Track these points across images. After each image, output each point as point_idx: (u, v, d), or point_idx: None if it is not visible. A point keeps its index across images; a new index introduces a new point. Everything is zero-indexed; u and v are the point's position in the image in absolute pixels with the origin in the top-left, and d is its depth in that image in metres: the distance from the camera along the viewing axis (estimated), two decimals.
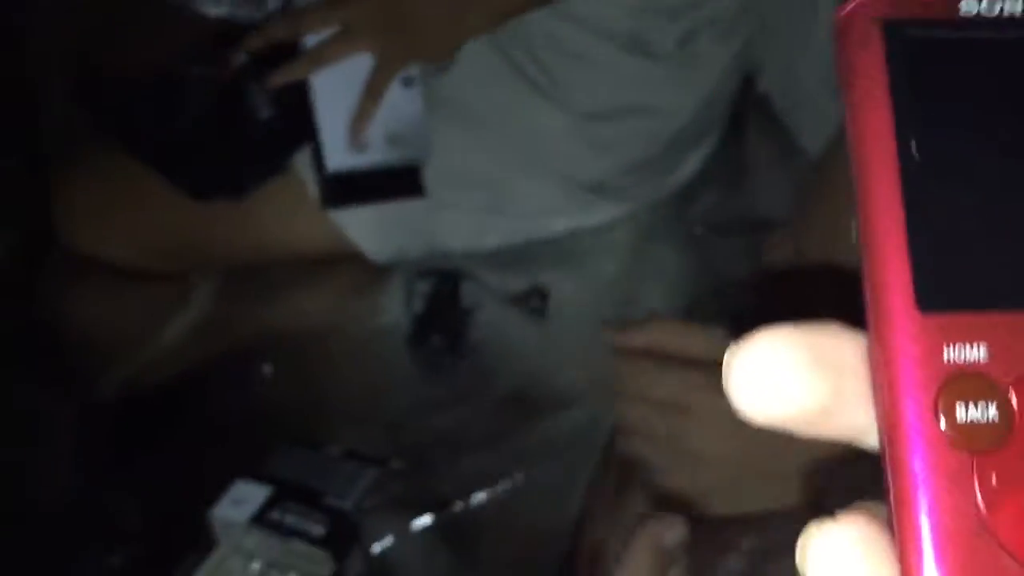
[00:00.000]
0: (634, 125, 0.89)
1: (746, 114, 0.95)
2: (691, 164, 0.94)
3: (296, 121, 0.88)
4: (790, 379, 0.20)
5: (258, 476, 0.70)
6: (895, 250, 0.20)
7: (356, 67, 0.82)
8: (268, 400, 0.82)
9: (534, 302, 0.85)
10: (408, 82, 0.83)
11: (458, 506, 0.72)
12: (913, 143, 0.20)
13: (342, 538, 0.66)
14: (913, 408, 0.19)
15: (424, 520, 0.71)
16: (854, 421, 0.20)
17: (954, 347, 0.19)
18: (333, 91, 0.82)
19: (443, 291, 0.86)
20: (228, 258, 0.92)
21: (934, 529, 0.19)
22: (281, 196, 0.89)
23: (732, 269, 0.85)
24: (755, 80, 0.93)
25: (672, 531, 0.59)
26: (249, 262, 0.91)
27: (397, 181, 0.84)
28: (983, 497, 0.19)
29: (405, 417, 0.79)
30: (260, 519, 0.67)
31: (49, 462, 0.77)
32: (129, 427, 0.80)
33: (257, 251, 0.91)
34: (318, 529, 0.66)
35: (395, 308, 0.87)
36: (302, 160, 0.89)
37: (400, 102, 0.83)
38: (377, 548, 0.70)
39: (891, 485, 0.20)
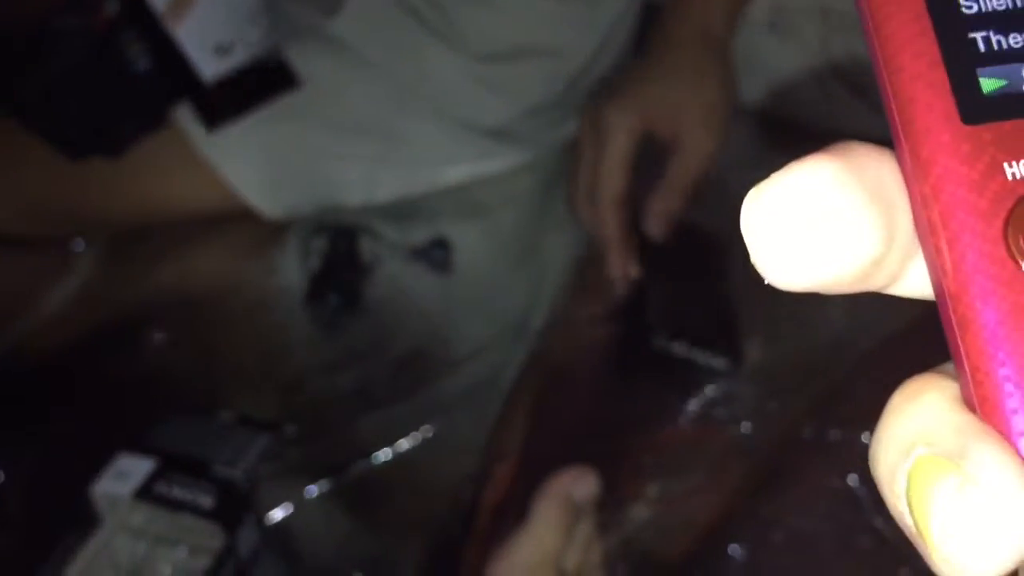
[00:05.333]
0: (532, 67, 0.86)
1: None
2: None
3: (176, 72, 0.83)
4: (845, 225, 0.15)
5: (142, 448, 0.66)
6: (923, 55, 0.15)
7: None
8: (159, 368, 0.78)
9: (436, 254, 0.82)
10: None
11: (357, 468, 0.69)
12: None
13: (233, 509, 0.63)
14: (978, 245, 0.15)
15: (322, 485, 0.68)
16: (892, 267, 0.16)
17: (1018, 162, 0.15)
18: None
19: (339, 247, 0.82)
20: (111, 221, 0.87)
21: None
22: (163, 152, 0.84)
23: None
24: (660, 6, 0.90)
25: (582, 484, 0.57)
26: (134, 224, 0.86)
27: (271, 79, 0.80)
28: None
29: (303, 379, 0.75)
30: (145, 493, 0.64)
31: None
32: (9, 403, 0.76)
33: (141, 212, 0.86)
34: (207, 500, 0.63)
35: (291, 267, 0.83)
36: (184, 113, 0.84)
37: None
38: (274, 517, 0.67)
39: (961, 349, 0.16)
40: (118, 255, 0.86)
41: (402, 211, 0.85)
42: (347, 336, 0.79)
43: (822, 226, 0.15)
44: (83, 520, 0.65)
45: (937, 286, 0.16)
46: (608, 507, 0.61)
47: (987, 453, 0.15)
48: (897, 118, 0.16)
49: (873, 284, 0.16)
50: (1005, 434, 0.15)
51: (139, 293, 0.84)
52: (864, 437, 0.63)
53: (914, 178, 0.16)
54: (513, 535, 0.54)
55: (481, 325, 0.76)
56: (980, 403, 0.15)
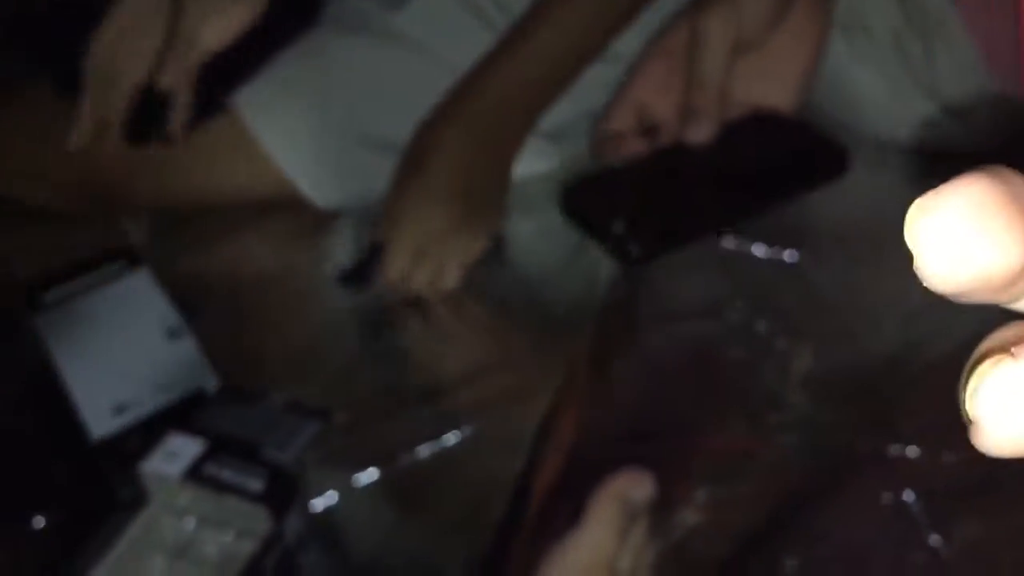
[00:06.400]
0: (591, 71, 0.86)
1: None
2: None
3: (237, 58, 0.83)
4: (1006, 238, 0.17)
5: (192, 428, 0.66)
6: None
7: (92, 320, 0.73)
8: (208, 351, 0.78)
9: (489, 248, 0.82)
10: (174, 334, 0.73)
11: (404, 459, 0.68)
12: None
13: (281, 493, 0.62)
14: None
15: (368, 475, 0.68)
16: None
17: None
18: (75, 347, 0.71)
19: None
20: (163, 203, 0.87)
21: None
22: (219, 139, 0.84)
23: None
24: None
25: (639, 487, 0.57)
26: (185, 207, 0.87)
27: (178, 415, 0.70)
28: None
29: (349, 369, 0.75)
30: (194, 473, 0.64)
31: None
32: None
33: (193, 196, 0.86)
34: (256, 484, 0.62)
35: (342, 256, 0.83)
36: (243, 100, 0.85)
37: (166, 355, 0.72)
38: (319, 504, 0.67)
39: None
40: (168, 238, 0.87)
41: None
42: (394, 329, 0.79)
43: (982, 235, 0.17)
44: (131, 498, 0.65)
45: None
46: (658, 511, 0.61)
47: None
48: None
49: (1011, 296, 0.19)
50: None
51: (189, 276, 0.84)
52: (920, 454, 0.63)
53: None
54: (568, 534, 0.54)
55: (532, 321, 0.76)
56: None
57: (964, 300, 0.18)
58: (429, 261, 0.76)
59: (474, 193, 0.78)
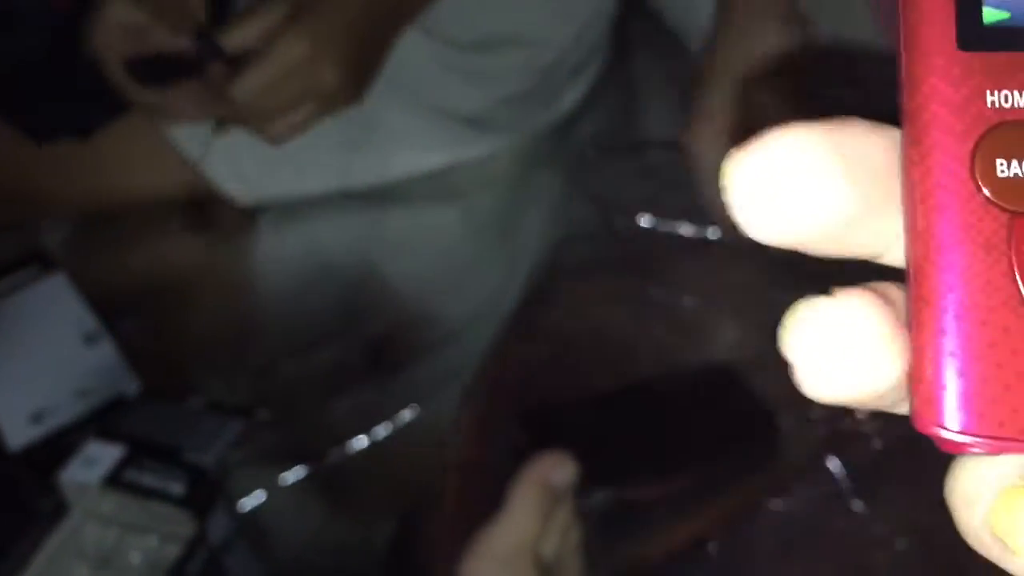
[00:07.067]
0: (508, 56, 0.85)
1: (634, 34, 0.92)
2: (575, 92, 0.90)
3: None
4: (814, 186, 0.16)
5: (112, 433, 0.65)
6: None
7: (6, 327, 0.71)
8: (129, 354, 0.77)
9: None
10: (91, 339, 0.72)
11: (332, 455, 0.68)
12: None
13: (203, 495, 0.62)
14: (946, 163, 0.17)
15: (296, 472, 0.67)
16: (879, 234, 0.17)
17: (1000, 92, 0.17)
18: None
19: None
20: (79, 205, 0.85)
21: (959, 303, 0.16)
22: (132, 136, 0.82)
23: (624, 192, 0.82)
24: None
25: (560, 470, 0.56)
26: (102, 208, 0.85)
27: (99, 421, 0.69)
28: (1020, 265, 0.16)
29: (275, 362, 0.74)
30: (114, 479, 0.62)
31: None
32: None
33: (109, 196, 0.84)
34: (177, 487, 0.61)
35: (262, 251, 0.82)
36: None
37: (85, 360, 0.71)
38: (246, 504, 0.66)
39: (910, 253, 0.17)
40: (86, 240, 0.85)
41: (378, 194, 0.84)
42: (320, 318, 0.78)
43: (796, 185, 0.16)
44: (51, 508, 0.63)
45: (904, 197, 0.17)
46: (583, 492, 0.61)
47: (860, 292, 0.17)
48: (902, 38, 0.17)
49: (855, 249, 0.17)
50: (932, 330, 0.17)
51: (108, 279, 0.82)
52: (844, 421, 0.63)
53: (905, 94, 0.17)
54: (491, 521, 0.54)
55: (457, 309, 0.76)
56: (915, 300, 0.17)
57: (807, 250, 0.17)
58: (286, 91, 0.72)
59: (354, 49, 0.74)
